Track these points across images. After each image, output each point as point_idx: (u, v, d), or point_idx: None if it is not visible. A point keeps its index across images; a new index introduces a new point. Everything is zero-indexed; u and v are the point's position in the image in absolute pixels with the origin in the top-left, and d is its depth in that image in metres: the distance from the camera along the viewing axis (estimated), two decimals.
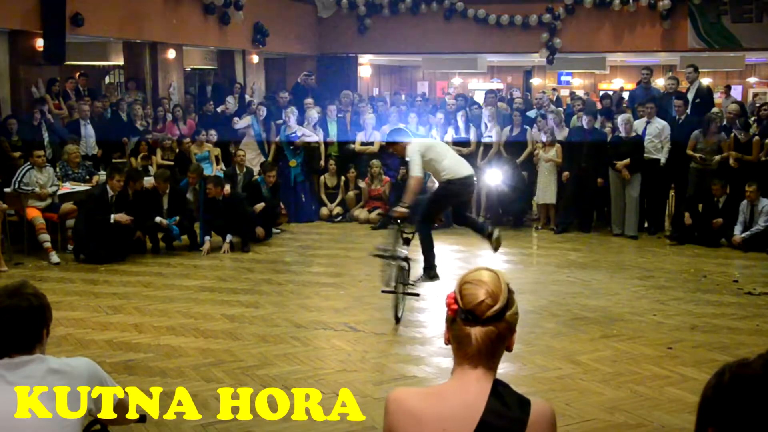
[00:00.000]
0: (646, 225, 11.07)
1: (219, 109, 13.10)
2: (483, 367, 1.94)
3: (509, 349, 1.99)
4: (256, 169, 11.57)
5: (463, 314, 1.92)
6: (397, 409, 1.95)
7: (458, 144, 11.39)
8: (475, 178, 7.37)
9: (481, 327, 1.91)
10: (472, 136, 11.90)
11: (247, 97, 14.38)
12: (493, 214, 11.61)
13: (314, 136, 12.20)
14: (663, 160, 10.65)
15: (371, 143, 12.45)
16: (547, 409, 2.00)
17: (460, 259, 9.66)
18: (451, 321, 1.96)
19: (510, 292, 1.96)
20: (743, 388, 1.46)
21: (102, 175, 10.40)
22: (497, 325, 1.92)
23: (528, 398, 1.98)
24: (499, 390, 1.94)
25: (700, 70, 12.54)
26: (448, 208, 7.67)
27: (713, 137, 10.54)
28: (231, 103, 13.20)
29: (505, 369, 5.83)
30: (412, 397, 1.96)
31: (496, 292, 1.91)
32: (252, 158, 11.78)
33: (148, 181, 10.15)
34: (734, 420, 1.46)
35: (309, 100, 13.03)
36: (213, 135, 11.99)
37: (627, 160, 10.47)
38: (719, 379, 1.51)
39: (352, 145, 12.55)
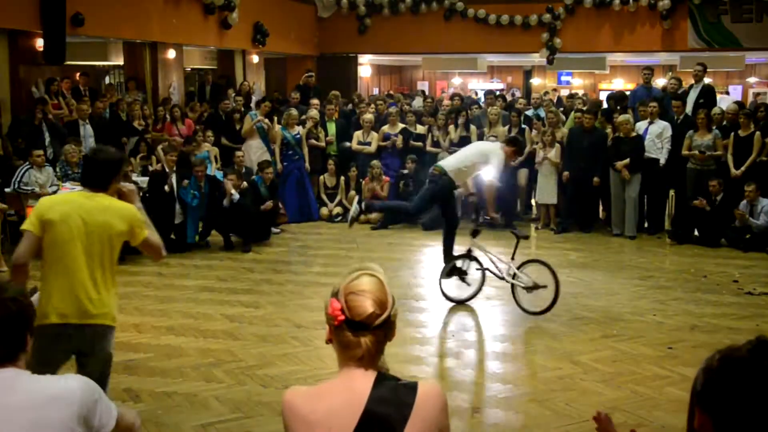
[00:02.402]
0: (646, 225, 11.07)
1: (223, 107, 13.05)
2: (369, 366, 1.95)
3: (390, 338, 2.00)
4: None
5: (351, 325, 1.92)
6: (289, 414, 1.95)
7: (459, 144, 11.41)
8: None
9: (371, 333, 1.92)
10: (473, 137, 11.89)
11: (255, 98, 14.40)
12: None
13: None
14: (662, 161, 10.65)
15: (368, 143, 12.45)
16: (434, 388, 1.99)
17: None
18: (336, 327, 1.95)
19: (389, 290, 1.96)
20: (730, 371, 1.49)
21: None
22: (384, 328, 1.93)
23: (415, 381, 1.98)
24: (383, 379, 1.94)
25: None
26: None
27: (706, 133, 10.54)
28: (238, 101, 13.24)
29: (505, 369, 5.83)
30: (301, 400, 1.95)
31: (383, 301, 1.92)
32: (260, 156, 11.75)
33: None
34: (721, 402, 1.49)
35: (315, 101, 13.02)
36: (210, 136, 11.99)
37: (627, 161, 10.47)
38: (708, 363, 1.54)
39: (348, 144, 12.56)
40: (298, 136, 12.11)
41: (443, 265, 7.64)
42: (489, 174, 7.42)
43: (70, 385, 2.17)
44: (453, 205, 7.90)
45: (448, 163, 7.67)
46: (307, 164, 12.11)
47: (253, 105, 13.27)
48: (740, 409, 1.46)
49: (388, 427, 1.89)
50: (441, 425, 1.96)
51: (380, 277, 1.96)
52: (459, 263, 7.54)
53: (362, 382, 1.93)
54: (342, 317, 1.93)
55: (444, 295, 7.45)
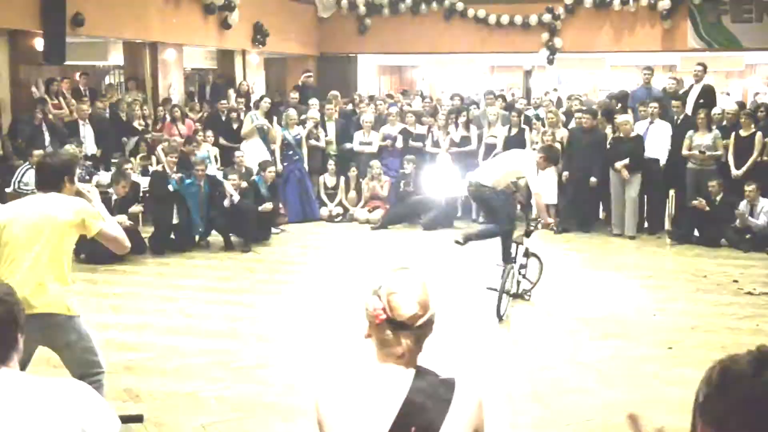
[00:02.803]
0: (646, 225, 11.07)
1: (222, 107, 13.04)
2: (409, 363, 1.96)
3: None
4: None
5: (393, 324, 1.92)
6: (322, 407, 1.98)
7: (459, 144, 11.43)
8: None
9: (411, 332, 1.93)
10: (474, 137, 11.89)
11: (254, 97, 14.39)
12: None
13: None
14: (662, 161, 10.65)
15: (370, 143, 12.45)
16: (473, 387, 2.00)
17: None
18: (377, 325, 1.95)
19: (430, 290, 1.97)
20: (729, 383, 1.47)
21: (100, 176, 10.42)
22: (424, 328, 1.94)
23: (453, 378, 1.98)
24: (423, 374, 1.96)
25: None
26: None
27: (707, 133, 10.54)
28: (239, 102, 13.24)
29: (505, 369, 5.83)
30: (337, 396, 1.97)
31: (426, 301, 1.93)
32: (259, 156, 11.73)
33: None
34: (721, 415, 1.47)
35: (314, 101, 13.01)
36: (210, 136, 11.99)
37: (626, 161, 10.46)
38: (709, 373, 1.53)
39: (350, 145, 12.55)
40: (299, 136, 12.11)
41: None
42: (534, 186, 7.55)
43: (66, 389, 2.12)
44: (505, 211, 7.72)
45: (485, 177, 7.53)
46: (305, 164, 12.06)
47: (252, 105, 13.25)
48: (741, 424, 1.45)
49: (428, 419, 1.89)
50: (478, 423, 1.97)
51: (421, 277, 1.97)
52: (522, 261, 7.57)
53: (402, 376, 1.94)
54: (383, 317, 1.93)
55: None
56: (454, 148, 11.95)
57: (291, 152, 12.05)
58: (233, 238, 10.14)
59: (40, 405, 2.01)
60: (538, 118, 12.16)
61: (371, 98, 14.93)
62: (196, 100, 14.37)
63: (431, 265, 9.44)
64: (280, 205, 11.25)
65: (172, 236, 9.88)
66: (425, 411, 1.90)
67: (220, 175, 10.85)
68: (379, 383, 1.94)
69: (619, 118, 10.81)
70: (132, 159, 11.51)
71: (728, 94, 19.10)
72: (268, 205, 10.35)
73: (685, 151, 10.62)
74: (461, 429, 1.91)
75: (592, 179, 10.81)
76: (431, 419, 1.89)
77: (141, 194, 10.11)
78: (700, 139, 10.52)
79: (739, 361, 1.49)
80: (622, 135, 10.60)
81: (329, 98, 13.35)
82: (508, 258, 7.47)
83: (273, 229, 10.82)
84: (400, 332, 1.92)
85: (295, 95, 13.80)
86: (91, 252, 9.10)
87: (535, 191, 7.61)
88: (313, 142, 12.27)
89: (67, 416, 2.00)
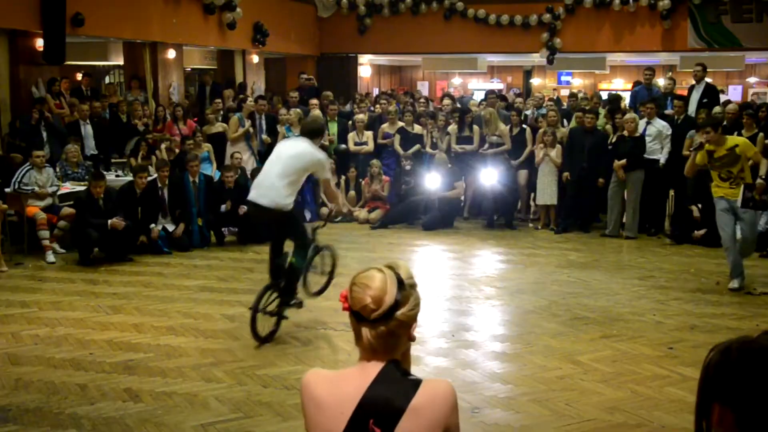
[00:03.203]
0: (646, 225, 11.06)
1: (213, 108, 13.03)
2: (379, 359, 2.01)
3: (411, 339, 2.04)
4: (249, 168, 11.47)
5: (354, 315, 2.00)
6: (305, 394, 2.05)
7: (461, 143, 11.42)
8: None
9: (370, 326, 1.98)
10: (476, 137, 11.89)
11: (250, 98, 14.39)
12: (488, 214, 11.59)
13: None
14: (662, 161, 10.64)
15: (365, 143, 12.44)
16: (440, 387, 2.02)
17: (457, 259, 9.66)
18: (349, 315, 2.03)
19: (405, 291, 1.99)
20: (751, 362, 1.46)
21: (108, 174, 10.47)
22: (387, 324, 1.97)
23: (420, 378, 2.02)
24: (389, 371, 1.99)
25: None
26: None
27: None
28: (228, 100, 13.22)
29: (505, 369, 5.83)
30: (319, 383, 2.05)
31: (380, 296, 1.96)
32: (247, 159, 11.72)
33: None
34: (743, 395, 1.45)
35: (314, 101, 13.01)
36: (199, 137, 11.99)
37: (624, 161, 10.45)
38: (724, 356, 1.52)
39: (344, 146, 12.55)
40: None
41: None
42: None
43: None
44: None
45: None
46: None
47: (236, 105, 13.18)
48: (765, 400, 1.42)
49: (386, 413, 1.94)
50: (446, 424, 1.98)
51: (387, 274, 2.00)
52: None
53: (370, 370, 2.00)
54: (346, 305, 2.01)
55: None
56: (455, 147, 11.94)
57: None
58: (228, 237, 10.15)
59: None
60: (543, 116, 12.16)
61: (367, 96, 14.93)
62: (196, 101, 14.38)
63: (431, 265, 9.45)
64: None
65: (144, 239, 9.85)
66: (385, 405, 1.94)
67: (218, 175, 10.85)
68: (349, 377, 2.03)
69: (626, 116, 10.78)
70: (132, 159, 11.50)
71: (722, 91, 19.12)
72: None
73: (685, 151, 10.61)
74: (422, 426, 1.94)
75: (600, 180, 10.80)
76: (389, 414, 1.93)
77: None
78: (701, 139, 10.51)
79: (758, 340, 1.50)
80: (626, 134, 10.59)
81: (331, 98, 13.36)
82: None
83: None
84: (361, 324, 1.99)
85: (294, 94, 13.80)
86: (85, 255, 9.16)
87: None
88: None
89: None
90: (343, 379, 2.04)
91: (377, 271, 2.01)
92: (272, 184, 6.17)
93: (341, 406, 1.97)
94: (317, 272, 6.93)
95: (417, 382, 2.00)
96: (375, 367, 2.00)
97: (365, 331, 1.99)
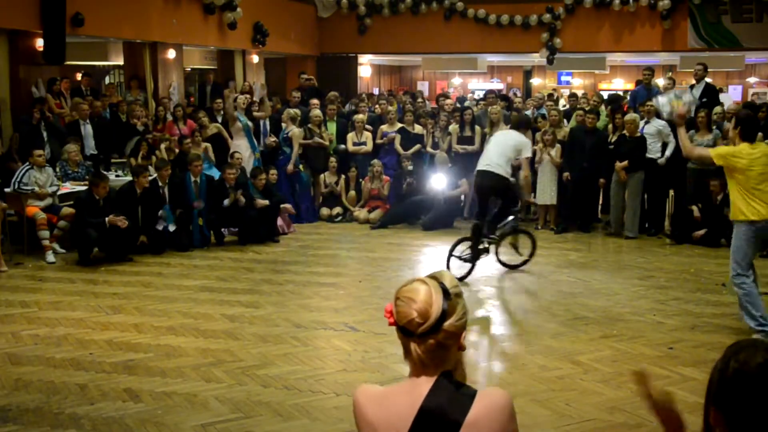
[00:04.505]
0: (646, 225, 11.06)
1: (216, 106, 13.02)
2: (430, 373, 1.96)
3: (461, 349, 2.00)
4: (248, 167, 11.45)
5: (401, 330, 1.95)
6: (357, 415, 2.02)
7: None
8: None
9: (419, 340, 1.93)
10: (477, 137, 11.89)
11: (255, 98, 14.37)
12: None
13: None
14: (669, 153, 10.59)
15: (363, 143, 12.44)
16: (495, 397, 1.98)
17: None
18: (396, 330, 1.99)
19: (451, 300, 1.94)
20: (744, 383, 1.60)
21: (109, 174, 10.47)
22: (435, 337, 1.92)
23: (475, 390, 1.98)
24: (442, 384, 1.95)
25: None
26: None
27: (707, 133, 10.54)
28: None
29: (505, 369, 5.83)
30: (370, 403, 2.00)
31: (425, 309, 1.91)
32: (248, 158, 11.70)
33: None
34: (734, 408, 1.62)
35: (315, 101, 13.01)
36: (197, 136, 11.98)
37: (625, 162, 10.45)
38: (723, 368, 1.65)
39: (343, 146, 12.54)
40: (287, 134, 12.07)
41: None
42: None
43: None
44: None
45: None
46: (290, 165, 11.83)
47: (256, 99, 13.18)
48: (752, 417, 1.59)
49: (443, 429, 1.91)
50: (505, 430, 1.96)
51: (431, 285, 1.95)
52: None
53: (423, 385, 1.96)
54: (392, 320, 1.97)
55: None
56: (457, 146, 11.94)
57: (278, 151, 12.05)
58: (228, 237, 10.15)
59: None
60: (544, 117, 12.17)
61: (369, 97, 14.91)
62: (196, 101, 14.37)
63: (431, 265, 9.44)
64: (287, 207, 11.19)
65: (144, 239, 9.85)
66: (441, 422, 1.91)
67: (217, 174, 10.85)
68: (401, 394, 1.98)
69: (626, 117, 10.78)
70: (132, 159, 11.50)
71: (721, 90, 19.12)
72: (262, 201, 10.40)
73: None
74: None
75: (601, 180, 10.81)
76: (446, 430, 1.90)
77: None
78: (701, 140, 10.52)
79: (751, 361, 1.61)
80: (627, 134, 10.59)
81: (330, 98, 13.35)
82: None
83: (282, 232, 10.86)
84: (409, 339, 1.94)
85: (296, 94, 13.76)
86: (84, 255, 9.16)
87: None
88: (317, 140, 12.21)
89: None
90: (394, 397, 1.98)
91: (421, 282, 1.96)
92: (495, 162, 8.24)
93: (396, 426, 1.93)
94: (514, 250, 8.78)
95: (472, 395, 1.95)
96: (427, 383, 1.95)
97: (414, 346, 1.93)
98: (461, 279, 8.08)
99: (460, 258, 8.39)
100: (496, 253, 8.80)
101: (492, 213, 8.57)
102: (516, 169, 8.92)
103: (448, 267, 8.06)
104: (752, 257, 6.39)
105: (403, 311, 1.92)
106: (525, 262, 8.89)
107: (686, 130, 10.76)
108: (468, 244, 8.45)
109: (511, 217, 8.66)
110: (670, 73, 15.18)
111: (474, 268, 8.45)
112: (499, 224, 8.58)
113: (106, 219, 9.06)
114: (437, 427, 1.91)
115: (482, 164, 8.41)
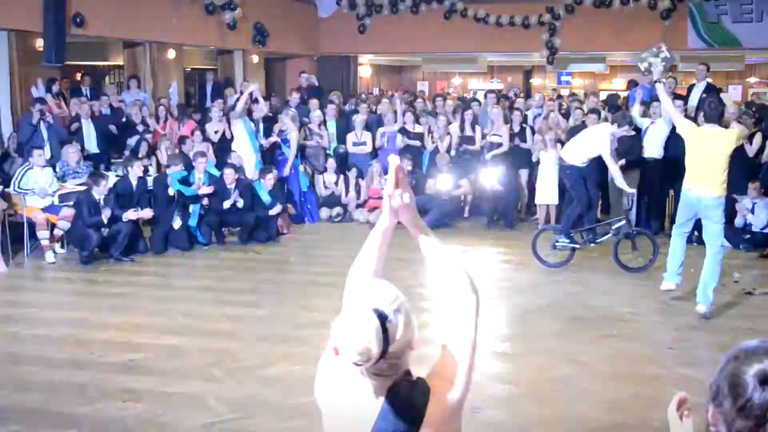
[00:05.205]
0: (647, 225, 11.05)
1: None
2: (387, 382, 1.96)
3: (412, 350, 1.99)
4: (249, 168, 11.45)
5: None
6: (324, 419, 2.06)
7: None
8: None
9: (369, 368, 1.92)
10: (478, 136, 11.89)
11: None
12: (488, 215, 11.58)
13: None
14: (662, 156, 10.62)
15: (363, 143, 12.43)
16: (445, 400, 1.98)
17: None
18: None
19: (391, 323, 1.90)
20: (744, 386, 1.62)
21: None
22: (385, 360, 1.91)
23: (428, 388, 1.97)
24: (398, 383, 1.96)
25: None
26: None
27: None
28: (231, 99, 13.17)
29: (505, 369, 5.83)
30: (329, 410, 2.07)
31: (365, 348, 1.87)
32: (249, 155, 11.68)
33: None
34: (726, 410, 1.64)
35: (314, 101, 13.01)
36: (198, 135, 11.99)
37: (622, 161, 10.44)
38: (726, 367, 1.67)
39: (343, 147, 12.54)
40: (286, 135, 12.06)
41: None
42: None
43: None
44: None
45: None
46: (286, 168, 11.77)
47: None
48: (751, 419, 1.61)
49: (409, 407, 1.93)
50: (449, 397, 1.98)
51: (366, 321, 1.89)
52: None
53: (380, 396, 1.97)
54: (338, 356, 1.95)
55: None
56: (463, 145, 11.95)
57: (278, 151, 12.05)
58: (229, 238, 10.16)
59: None
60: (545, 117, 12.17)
61: (369, 96, 14.90)
62: (196, 101, 14.37)
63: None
64: (289, 207, 11.20)
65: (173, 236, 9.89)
66: (400, 421, 1.93)
67: (216, 173, 10.86)
68: (363, 390, 1.98)
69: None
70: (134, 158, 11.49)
71: (721, 90, 19.12)
72: (277, 207, 10.39)
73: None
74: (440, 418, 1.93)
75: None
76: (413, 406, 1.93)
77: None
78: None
79: (755, 364, 1.62)
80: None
81: (330, 98, 13.35)
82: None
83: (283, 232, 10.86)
84: (359, 367, 1.93)
85: (297, 95, 13.75)
86: (86, 255, 9.16)
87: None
88: (317, 140, 12.20)
89: None
90: (356, 405, 2.00)
91: (356, 319, 1.91)
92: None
93: (353, 420, 1.97)
94: (635, 254, 8.87)
95: (424, 386, 1.96)
96: (380, 400, 1.95)
97: (365, 371, 1.94)
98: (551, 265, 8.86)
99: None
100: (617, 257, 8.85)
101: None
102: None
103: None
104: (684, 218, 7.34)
105: (345, 353, 1.90)
106: (644, 268, 8.79)
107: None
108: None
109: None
110: (670, 73, 15.15)
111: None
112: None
113: (124, 215, 9.08)
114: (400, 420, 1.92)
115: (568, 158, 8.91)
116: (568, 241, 9.00)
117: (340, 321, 1.95)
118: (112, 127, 11.78)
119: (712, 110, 7.10)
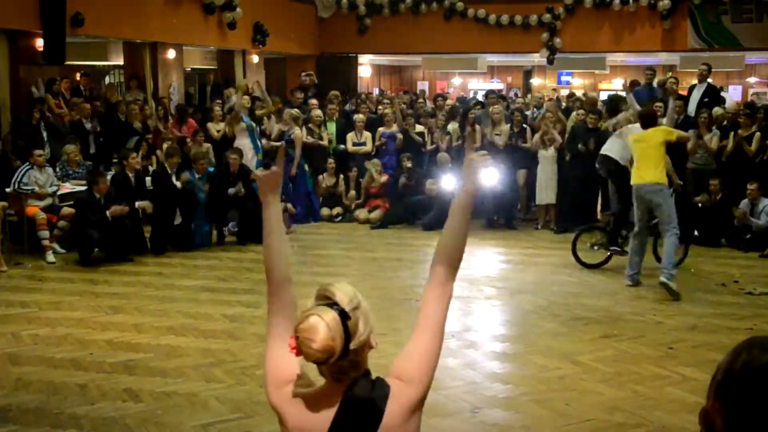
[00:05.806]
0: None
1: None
2: (347, 380, 1.97)
3: (371, 348, 2.01)
4: (249, 167, 11.42)
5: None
6: (281, 418, 2.11)
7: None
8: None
9: (329, 366, 1.93)
10: (478, 135, 11.88)
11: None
12: (487, 215, 11.57)
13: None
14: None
15: (363, 143, 12.43)
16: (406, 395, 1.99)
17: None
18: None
19: (351, 320, 1.92)
20: (749, 380, 1.55)
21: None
22: (345, 359, 1.92)
23: (388, 386, 1.98)
24: (355, 384, 1.97)
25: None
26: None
27: (707, 133, 10.54)
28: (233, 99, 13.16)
29: (505, 369, 5.83)
30: (292, 409, 2.11)
31: (327, 346, 1.89)
32: (250, 157, 11.68)
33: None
34: (736, 403, 1.56)
35: (314, 101, 13.00)
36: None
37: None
38: (732, 360, 1.60)
39: (342, 146, 12.53)
40: (290, 135, 12.06)
41: None
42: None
43: None
44: None
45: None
46: (293, 169, 11.77)
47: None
48: (752, 414, 1.54)
49: (370, 408, 1.93)
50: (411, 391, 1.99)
51: (327, 319, 1.91)
52: None
53: (338, 395, 1.98)
54: (297, 353, 1.96)
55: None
56: (456, 145, 11.94)
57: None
58: (228, 237, 10.17)
59: None
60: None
61: (368, 96, 14.89)
62: (197, 101, 14.36)
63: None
64: (289, 207, 11.20)
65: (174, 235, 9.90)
66: (359, 420, 1.94)
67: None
68: (320, 394, 2.01)
69: (619, 116, 10.77)
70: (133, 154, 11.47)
71: (721, 89, 19.11)
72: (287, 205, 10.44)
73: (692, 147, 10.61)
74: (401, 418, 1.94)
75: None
76: (374, 406, 1.93)
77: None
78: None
79: (762, 357, 1.56)
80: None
81: (330, 98, 13.34)
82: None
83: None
84: (320, 366, 1.95)
85: (299, 95, 13.74)
86: (86, 255, 9.17)
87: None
88: (315, 139, 12.18)
89: None
90: (315, 404, 2.02)
91: (317, 318, 1.91)
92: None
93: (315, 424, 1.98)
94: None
95: (383, 385, 1.97)
96: (338, 398, 1.96)
97: (325, 369, 1.95)
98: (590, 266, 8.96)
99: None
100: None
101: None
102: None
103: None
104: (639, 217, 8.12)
105: (306, 352, 1.91)
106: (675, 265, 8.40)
107: (686, 129, 10.84)
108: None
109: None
110: (670, 73, 15.15)
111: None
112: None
113: (107, 213, 9.06)
114: (358, 421, 1.93)
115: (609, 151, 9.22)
116: (618, 249, 8.91)
117: (299, 319, 1.96)
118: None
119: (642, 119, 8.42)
